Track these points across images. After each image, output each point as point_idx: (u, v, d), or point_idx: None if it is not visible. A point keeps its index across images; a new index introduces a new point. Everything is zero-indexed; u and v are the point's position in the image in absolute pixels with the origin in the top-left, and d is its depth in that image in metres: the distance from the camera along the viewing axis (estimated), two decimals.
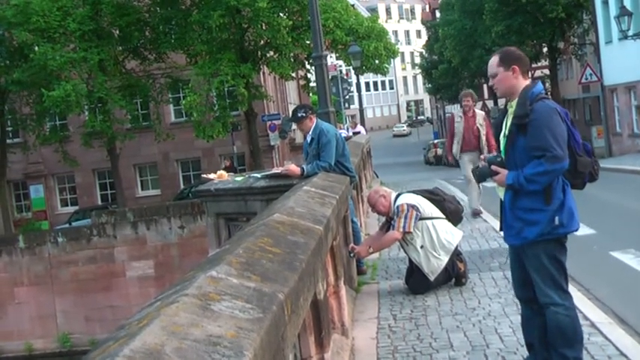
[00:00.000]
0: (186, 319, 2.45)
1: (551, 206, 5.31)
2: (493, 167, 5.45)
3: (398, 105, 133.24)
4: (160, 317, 2.42)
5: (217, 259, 3.48)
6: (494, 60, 5.40)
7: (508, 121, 5.41)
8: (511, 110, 5.38)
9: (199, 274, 3.11)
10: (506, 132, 5.39)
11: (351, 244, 9.14)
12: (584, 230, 13.22)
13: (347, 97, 37.58)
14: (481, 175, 5.79)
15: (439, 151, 56.31)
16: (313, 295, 4.52)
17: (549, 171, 5.15)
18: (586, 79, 37.55)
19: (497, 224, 14.39)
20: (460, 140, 14.38)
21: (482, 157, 6.11)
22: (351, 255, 8.82)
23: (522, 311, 5.78)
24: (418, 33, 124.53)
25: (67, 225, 34.51)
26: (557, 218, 5.35)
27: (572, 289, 8.61)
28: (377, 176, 27.60)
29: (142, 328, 2.33)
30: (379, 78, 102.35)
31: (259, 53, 31.99)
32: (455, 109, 78.85)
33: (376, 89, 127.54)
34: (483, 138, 14.26)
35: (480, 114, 14.70)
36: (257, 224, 4.77)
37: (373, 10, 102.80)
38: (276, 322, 2.82)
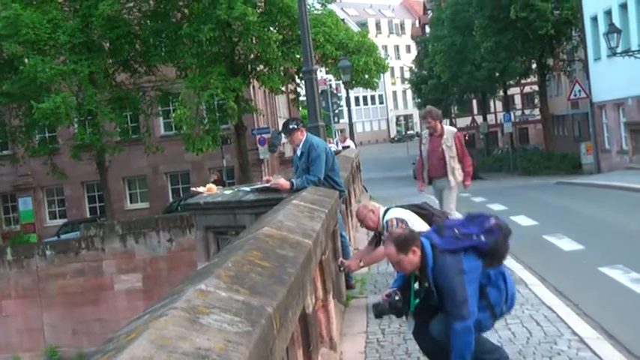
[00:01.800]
0: (174, 332, 2.44)
1: None
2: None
3: (387, 119, 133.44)
4: (149, 330, 2.41)
5: (206, 273, 3.47)
6: (391, 251, 5.71)
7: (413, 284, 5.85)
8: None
9: (188, 287, 3.11)
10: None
11: (341, 258, 9.13)
12: (572, 246, 13.30)
13: (336, 111, 37.66)
14: (379, 313, 6.09)
15: None
16: (302, 308, 4.52)
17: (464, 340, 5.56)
18: (575, 95, 37.76)
19: None
20: (427, 165, 12.50)
21: (384, 296, 6.22)
22: (341, 269, 8.80)
23: None
24: (408, 48, 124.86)
25: (55, 238, 34.37)
26: None
27: (560, 304, 8.68)
28: (366, 190, 27.60)
29: (131, 342, 2.32)
30: (369, 92, 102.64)
31: (249, 67, 32.03)
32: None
33: (366, 104, 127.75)
34: (450, 162, 12.14)
35: (449, 131, 12.44)
36: (246, 238, 4.77)
37: (363, 25, 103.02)
38: (265, 336, 2.81)
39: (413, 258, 5.69)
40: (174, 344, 2.33)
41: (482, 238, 5.80)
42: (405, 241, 5.72)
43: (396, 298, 5.97)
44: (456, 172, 12.18)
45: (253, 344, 2.58)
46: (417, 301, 5.84)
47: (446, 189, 12.25)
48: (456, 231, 5.88)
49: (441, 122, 12.55)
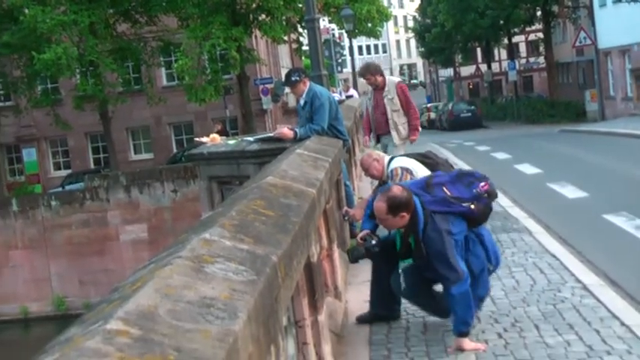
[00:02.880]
0: (179, 281, 2.44)
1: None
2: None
3: (391, 69, 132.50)
4: (154, 280, 2.41)
5: (210, 222, 3.47)
6: (381, 207, 5.74)
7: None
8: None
9: (192, 236, 3.10)
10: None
11: (345, 207, 9.14)
12: (576, 193, 13.30)
13: (340, 60, 37.39)
14: (355, 257, 6.42)
15: (432, 115, 56.19)
16: (306, 258, 4.52)
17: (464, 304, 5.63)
18: (580, 42, 37.46)
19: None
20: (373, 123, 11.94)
21: (359, 238, 6.35)
22: (345, 218, 8.82)
23: None
24: None
25: (60, 188, 34.45)
26: None
27: (564, 251, 8.70)
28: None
29: (136, 291, 2.32)
30: (372, 42, 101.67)
31: (251, 16, 31.71)
32: (448, 73, 78.45)
33: (369, 53, 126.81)
34: (393, 116, 11.46)
35: (390, 82, 11.70)
36: (250, 187, 4.76)
37: None
38: (270, 285, 2.81)
39: (399, 222, 5.80)
40: (180, 293, 2.33)
41: (472, 206, 5.86)
42: (399, 205, 5.75)
43: (372, 242, 6.12)
44: (399, 128, 11.50)
45: (258, 293, 2.58)
46: (409, 261, 6.02)
47: (389, 146, 11.53)
48: (446, 191, 5.92)
49: (381, 75, 11.75)
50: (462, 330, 5.67)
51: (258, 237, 3.27)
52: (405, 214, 5.75)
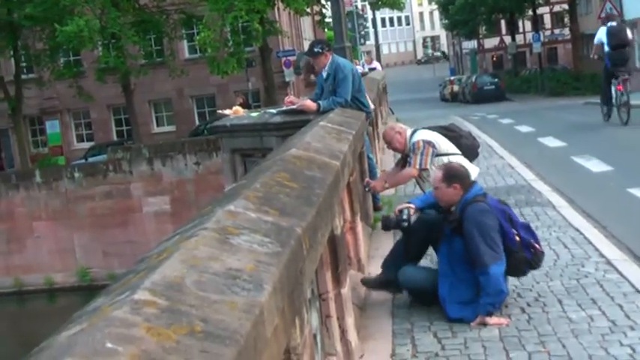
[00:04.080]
0: (205, 252, 2.45)
1: None
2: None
3: (414, 41, 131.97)
4: (180, 251, 2.42)
5: (235, 194, 3.47)
6: (438, 175, 5.97)
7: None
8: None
9: (217, 208, 3.11)
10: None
11: (367, 178, 9.14)
12: (601, 167, 13.20)
13: (363, 33, 37.19)
14: (386, 226, 6.48)
15: (455, 88, 55.85)
16: (330, 230, 4.52)
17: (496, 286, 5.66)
18: (606, 13, 36.95)
19: (513, 161, 14.33)
20: None
21: (397, 210, 6.51)
22: (367, 189, 8.83)
23: None
24: None
25: (83, 160, 34.65)
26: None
27: (588, 226, 8.65)
28: (392, 113, 27.46)
29: (162, 262, 2.33)
30: (395, 14, 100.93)
31: None
32: (471, 45, 77.76)
33: (392, 25, 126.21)
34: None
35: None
36: (273, 159, 4.76)
37: None
38: (295, 257, 2.82)
39: (451, 192, 5.89)
40: (205, 264, 2.34)
41: (517, 238, 5.90)
42: (455, 175, 5.93)
43: (404, 217, 6.24)
44: None
45: (283, 265, 2.58)
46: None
47: None
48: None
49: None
50: (489, 310, 5.67)
51: (283, 209, 3.27)
52: (458, 185, 5.87)
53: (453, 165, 6.13)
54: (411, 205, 6.40)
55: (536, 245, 6.05)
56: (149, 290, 2.03)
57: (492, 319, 5.64)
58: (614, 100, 18.45)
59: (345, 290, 5.18)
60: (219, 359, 1.77)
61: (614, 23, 18.52)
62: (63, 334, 1.89)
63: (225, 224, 2.79)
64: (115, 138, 40.23)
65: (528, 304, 6.08)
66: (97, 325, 1.83)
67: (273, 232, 2.87)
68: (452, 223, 5.89)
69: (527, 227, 6.16)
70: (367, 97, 9.96)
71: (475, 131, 18.61)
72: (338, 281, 5.01)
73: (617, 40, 17.91)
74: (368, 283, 6.57)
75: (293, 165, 4.37)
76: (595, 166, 13.45)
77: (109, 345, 1.70)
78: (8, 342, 25.16)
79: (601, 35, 18.28)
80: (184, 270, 2.25)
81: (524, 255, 5.92)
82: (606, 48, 18.00)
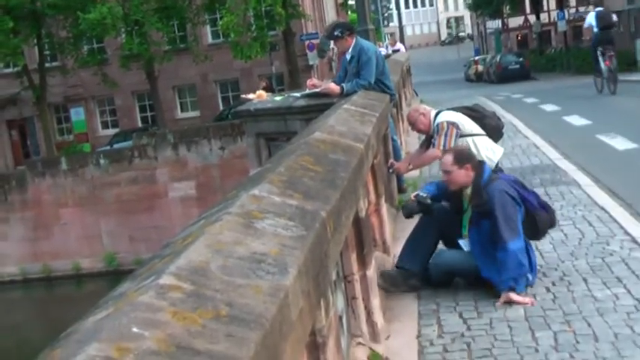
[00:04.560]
0: (230, 237, 2.46)
1: None
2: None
3: (438, 22, 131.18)
4: (205, 235, 2.44)
5: (259, 178, 3.48)
6: (448, 159, 6.11)
7: (465, 202, 6.19)
8: (466, 193, 6.15)
9: (241, 193, 3.12)
10: (469, 216, 6.12)
11: (391, 160, 9.13)
12: (626, 145, 13.08)
13: (386, 14, 37.01)
14: (409, 212, 6.51)
15: (480, 68, 55.47)
16: (355, 212, 4.53)
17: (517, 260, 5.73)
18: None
19: (538, 140, 14.24)
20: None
21: (412, 196, 6.61)
22: (390, 170, 8.83)
23: None
24: None
25: (108, 147, 34.86)
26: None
27: (613, 204, 8.59)
28: (416, 94, 27.35)
29: (187, 247, 2.35)
30: None
31: None
32: (495, 25, 77.18)
33: (415, 6, 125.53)
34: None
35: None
36: (298, 143, 4.77)
37: None
38: (319, 240, 2.83)
39: (463, 174, 6.03)
40: (230, 249, 2.36)
41: (536, 202, 6.21)
42: (465, 157, 6.13)
43: (424, 195, 6.37)
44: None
45: (308, 248, 2.59)
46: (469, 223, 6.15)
47: None
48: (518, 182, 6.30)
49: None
50: (511, 285, 5.67)
51: (307, 193, 3.28)
52: (469, 166, 6.02)
53: (462, 147, 6.36)
54: (422, 193, 6.48)
55: (549, 204, 6.53)
56: (174, 275, 2.05)
57: (516, 297, 5.64)
58: (603, 74, 21.55)
59: (371, 272, 5.19)
60: (245, 343, 1.78)
61: (601, 8, 22.74)
62: (90, 319, 1.92)
63: (249, 208, 2.81)
64: (139, 124, 40.38)
65: (553, 284, 6.07)
66: (123, 309, 1.85)
67: (297, 216, 2.89)
68: (480, 206, 5.93)
69: (535, 193, 6.48)
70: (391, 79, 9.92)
71: (500, 111, 18.51)
72: (363, 263, 5.03)
73: (604, 22, 21.06)
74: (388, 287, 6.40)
75: (317, 148, 4.38)
76: (620, 144, 13.33)
77: (135, 329, 1.72)
78: (37, 327, 25.48)
79: (590, 19, 21.41)
80: (209, 254, 2.27)
81: (545, 214, 6.20)
82: (595, 29, 20.99)
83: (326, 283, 3.03)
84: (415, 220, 6.72)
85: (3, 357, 22.52)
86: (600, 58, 21.16)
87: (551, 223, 6.39)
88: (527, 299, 5.67)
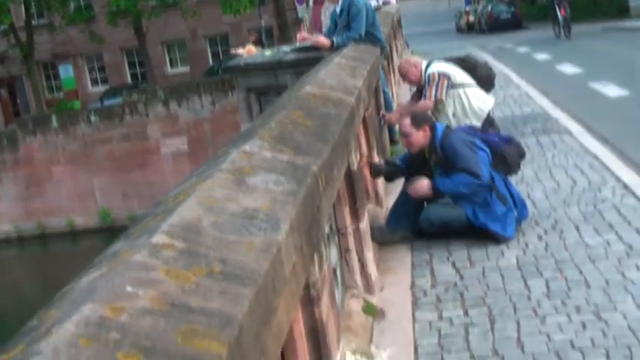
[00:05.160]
0: (221, 193, 2.46)
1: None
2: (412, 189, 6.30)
3: None
4: (196, 193, 2.44)
5: (250, 134, 3.48)
6: (406, 122, 6.30)
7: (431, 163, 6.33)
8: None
9: (232, 149, 3.12)
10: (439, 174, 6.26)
11: (382, 111, 9.11)
12: (618, 92, 13.09)
13: None
14: (376, 173, 6.58)
15: (471, 18, 55.09)
16: (347, 166, 4.54)
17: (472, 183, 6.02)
18: None
19: (530, 89, 14.23)
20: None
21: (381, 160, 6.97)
22: (382, 122, 8.83)
23: None
24: None
25: (99, 104, 34.68)
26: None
27: (605, 151, 8.62)
28: (408, 46, 27.18)
29: (179, 204, 2.35)
30: None
31: None
32: None
33: None
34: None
35: None
36: (288, 98, 4.75)
37: None
38: (311, 194, 2.83)
39: (422, 136, 6.21)
40: (222, 205, 2.36)
41: (497, 139, 6.41)
42: (422, 118, 6.37)
43: (397, 162, 6.66)
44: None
45: (300, 203, 2.60)
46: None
47: None
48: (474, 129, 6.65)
49: None
50: (438, 187, 6.08)
51: (298, 147, 3.27)
52: (427, 127, 6.21)
53: (416, 109, 6.66)
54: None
55: (511, 137, 6.73)
56: (167, 233, 2.05)
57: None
58: (560, 22, 26.88)
59: (364, 225, 5.22)
60: (239, 300, 1.79)
61: None
62: (84, 279, 1.92)
63: (240, 165, 2.81)
64: (129, 81, 40.14)
65: (545, 232, 6.10)
66: (116, 269, 1.86)
67: (288, 171, 2.88)
68: (440, 162, 6.16)
69: (495, 133, 6.89)
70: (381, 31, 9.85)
71: (492, 61, 18.44)
72: (356, 216, 5.05)
73: None
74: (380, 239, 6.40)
75: (308, 103, 4.36)
76: (612, 91, 13.33)
77: (129, 289, 1.73)
78: (33, 285, 25.59)
79: None
80: (201, 212, 2.27)
81: (509, 147, 6.37)
82: None
83: (319, 237, 3.04)
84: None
85: (0, 315, 22.64)
86: (557, 8, 26.87)
87: (520, 153, 6.52)
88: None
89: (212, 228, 2.17)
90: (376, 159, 7.22)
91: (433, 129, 6.24)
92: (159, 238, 2.02)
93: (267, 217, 2.34)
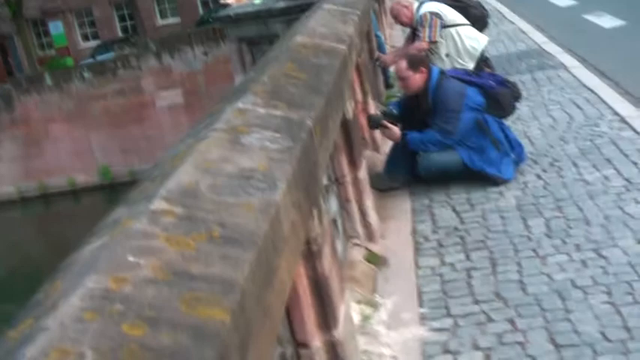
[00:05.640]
0: (217, 154, 2.46)
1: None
2: (384, 122, 6.28)
3: None
4: (192, 155, 2.44)
5: (243, 90, 3.46)
6: (402, 65, 6.22)
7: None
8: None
9: (226, 106, 3.11)
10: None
11: (377, 52, 9.07)
12: (613, 22, 12.99)
13: None
14: (374, 123, 6.43)
15: None
16: (342, 115, 4.53)
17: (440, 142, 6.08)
18: None
19: (524, 25, 14.10)
20: None
21: (378, 110, 6.88)
22: (377, 63, 8.80)
23: None
24: None
25: (91, 59, 34.47)
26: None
27: (601, 84, 8.59)
28: None
29: (176, 168, 2.35)
30: None
31: None
32: None
33: None
34: None
35: None
36: (279, 49, 4.71)
37: None
38: (307, 150, 2.83)
39: (419, 78, 6.15)
40: (219, 167, 2.36)
41: (492, 82, 6.36)
42: (418, 60, 6.30)
43: (391, 108, 6.60)
44: None
45: (296, 159, 2.60)
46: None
47: None
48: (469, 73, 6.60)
49: None
50: (408, 142, 6.13)
51: (292, 101, 3.26)
52: (424, 69, 6.16)
53: (412, 52, 6.59)
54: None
55: (507, 79, 6.72)
56: (165, 199, 2.06)
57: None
58: None
59: (362, 173, 5.22)
60: (239, 264, 1.81)
61: None
62: (86, 249, 1.94)
63: (235, 123, 2.80)
64: (120, 34, 39.84)
65: (544, 170, 6.12)
66: (117, 238, 1.87)
67: (283, 127, 2.88)
68: (429, 112, 6.14)
69: (492, 74, 6.82)
70: None
71: None
72: (354, 165, 5.05)
73: None
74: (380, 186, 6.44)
75: (299, 54, 4.33)
76: (607, 22, 13.23)
77: (130, 258, 1.74)
78: (38, 245, 25.74)
79: None
80: (198, 175, 2.27)
81: (505, 89, 6.40)
82: None
83: (317, 192, 3.05)
84: None
85: (8, 275, 22.81)
86: None
87: (515, 96, 6.55)
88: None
89: (209, 191, 2.17)
90: (371, 105, 7.21)
91: (429, 71, 6.21)
92: (158, 205, 2.03)
93: (264, 177, 2.35)
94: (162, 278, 1.68)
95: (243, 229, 1.98)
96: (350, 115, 5.06)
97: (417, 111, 6.29)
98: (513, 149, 6.16)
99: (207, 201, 2.11)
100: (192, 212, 2.02)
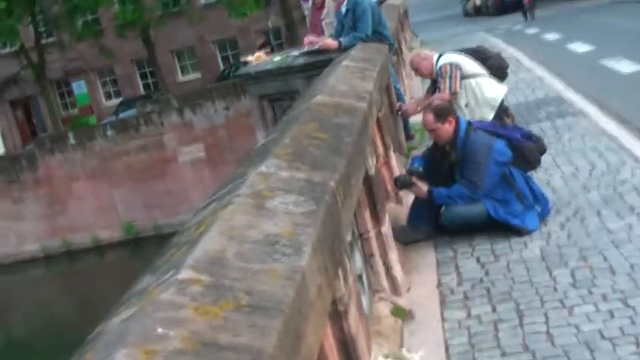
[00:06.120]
0: (242, 220, 2.50)
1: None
2: (413, 180, 6.29)
3: None
4: (217, 222, 2.48)
5: (265, 152, 3.51)
6: (429, 118, 6.21)
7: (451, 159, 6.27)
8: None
9: (249, 170, 3.16)
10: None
11: (399, 102, 9.16)
12: (632, 67, 13.01)
13: None
14: (402, 185, 6.45)
15: (477, 2, 54.81)
16: (364, 172, 4.56)
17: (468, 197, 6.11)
18: None
19: (542, 72, 14.13)
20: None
21: (404, 170, 6.89)
22: (399, 113, 8.91)
23: None
24: None
25: (114, 117, 34.88)
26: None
27: (622, 131, 8.57)
28: (416, 35, 27.12)
29: (202, 235, 2.39)
30: None
31: None
32: None
33: None
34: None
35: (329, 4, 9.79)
36: (300, 109, 4.78)
37: None
38: (331, 212, 2.86)
39: (448, 128, 6.17)
40: (244, 233, 2.40)
41: (518, 135, 6.45)
42: (444, 110, 6.25)
43: (416, 165, 6.51)
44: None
45: (320, 222, 2.63)
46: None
47: None
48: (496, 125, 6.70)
49: None
50: (434, 198, 6.17)
51: (314, 163, 3.30)
52: (451, 118, 6.17)
53: (436, 102, 6.51)
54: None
55: (533, 133, 6.84)
56: (192, 268, 2.10)
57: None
58: (525, 9, 31.32)
59: (385, 227, 5.24)
60: (267, 332, 1.83)
61: None
62: (114, 320, 1.97)
63: (258, 188, 2.84)
64: (142, 91, 40.31)
65: (567, 219, 6.09)
66: (146, 309, 1.90)
67: (306, 190, 2.92)
68: (457, 161, 6.16)
69: (517, 127, 6.98)
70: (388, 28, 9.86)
71: (501, 45, 18.39)
72: (377, 219, 5.07)
73: None
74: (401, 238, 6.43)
75: (320, 113, 4.39)
76: (625, 67, 13.25)
77: (159, 330, 1.77)
78: (63, 303, 25.79)
79: None
80: (224, 242, 2.31)
81: (531, 143, 6.49)
82: None
83: (341, 252, 3.07)
84: None
85: (32, 334, 22.83)
86: None
87: (540, 150, 6.62)
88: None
89: (236, 258, 2.21)
90: (393, 158, 7.24)
91: (457, 120, 6.25)
92: (185, 274, 2.06)
93: (290, 242, 2.38)
94: (192, 349, 1.71)
95: (270, 296, 2.01)
96: (372, 171, 5.10)
97: (444, 163, 6.29)
98: (538, 201, 6.16)
99: (233, 268, 2.14)
100: (219, 280, 2.05)
